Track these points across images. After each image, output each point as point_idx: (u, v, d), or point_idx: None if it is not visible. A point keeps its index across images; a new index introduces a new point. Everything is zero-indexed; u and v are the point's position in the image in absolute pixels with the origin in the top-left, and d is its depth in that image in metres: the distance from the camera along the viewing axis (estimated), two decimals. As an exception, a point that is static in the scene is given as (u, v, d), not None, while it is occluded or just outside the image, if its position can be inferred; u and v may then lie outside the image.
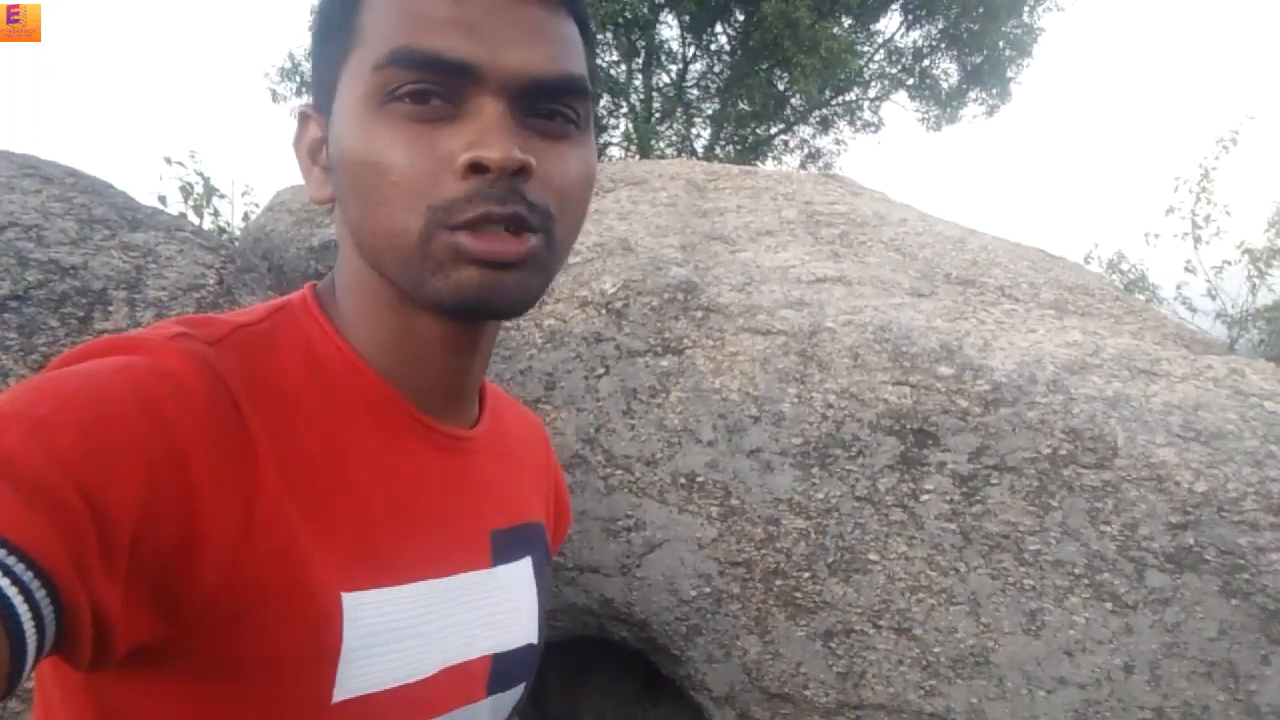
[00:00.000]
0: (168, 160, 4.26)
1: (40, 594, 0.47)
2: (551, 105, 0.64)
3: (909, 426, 1.68)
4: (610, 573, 2.10)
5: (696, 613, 2.03)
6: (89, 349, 0.60)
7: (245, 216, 5.00)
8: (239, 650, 0.58)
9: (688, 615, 2.05)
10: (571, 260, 2.01)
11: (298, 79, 11.40)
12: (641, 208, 2.23)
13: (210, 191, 4.53)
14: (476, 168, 0.60)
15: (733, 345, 1.82)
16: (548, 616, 2.23)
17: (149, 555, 0.53)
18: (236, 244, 3.25)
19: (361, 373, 0.69)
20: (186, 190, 4.36)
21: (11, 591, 0.45)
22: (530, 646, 0.79)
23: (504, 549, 0.77)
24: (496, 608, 0.75)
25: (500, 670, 0.75)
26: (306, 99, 0.73)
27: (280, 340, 0.67)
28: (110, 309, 1.46)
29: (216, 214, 4.60)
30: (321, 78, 0.68)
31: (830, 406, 1.74)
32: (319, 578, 0.61)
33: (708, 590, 2.00)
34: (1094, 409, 1.59)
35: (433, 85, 0.61)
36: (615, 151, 12.01)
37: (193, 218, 4.32)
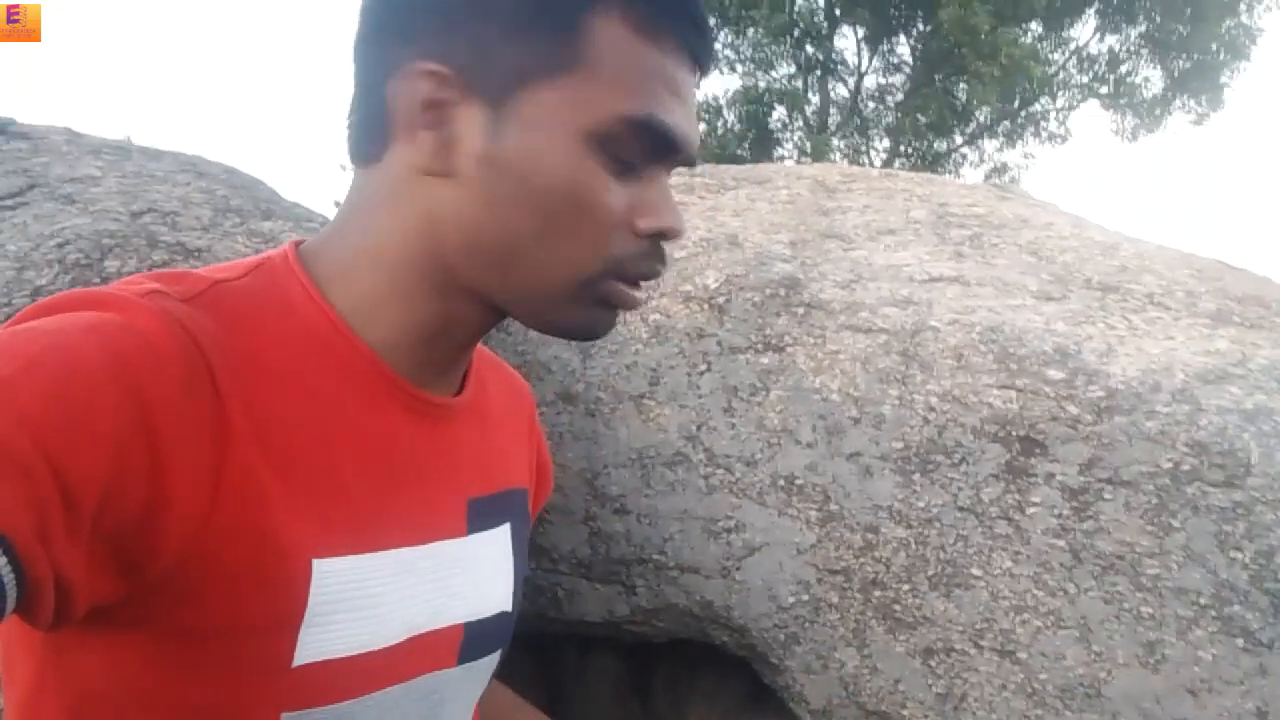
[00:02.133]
0: (342, 167, 4.54)
1: (1, 560, 0.47)
2: None
3: (1014, 433, 1.57)
4: (710, 574, 2.06)
5: (795, 620, 1.97)
6: (58, 301, 0.60)
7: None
8: (202, 615, 0.59)
9: (786, 623, 1.99)
10: (677, 255, 2.00)
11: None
12: (759, 205, 2.20)
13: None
14: (663, 235, 0.68)
15: (833, 343, 1.76)
16: (649, 616, 2.20)
17: (113, 522, 0.54)
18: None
19: (345, 337, 0.68)
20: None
21: None
22: (504, 614, 0.79)
23: (481, 517, 0.77)
24: (470, 576, 0.75)
25: (473, 638, 0.75)
26: (424, 54, 0.65)
27: (259, 297, 0.67)
28: (224, 288, 1.57)
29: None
30: (494, 60, 0.63)
31: (932, 410, 1.65)
32: (289, 545, 0.61)
33: (806, 598, 1.93)
34: (1226, 421, 1.43)
35: (647, 155, 0.67)
36: (789, 165, 11.88)
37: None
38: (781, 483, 1.89)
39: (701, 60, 0.68)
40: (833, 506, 1.82)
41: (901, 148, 11.21)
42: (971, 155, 11.98)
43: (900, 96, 11.40)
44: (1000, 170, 12.37)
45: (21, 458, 0.48)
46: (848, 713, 1.93)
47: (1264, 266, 2.58)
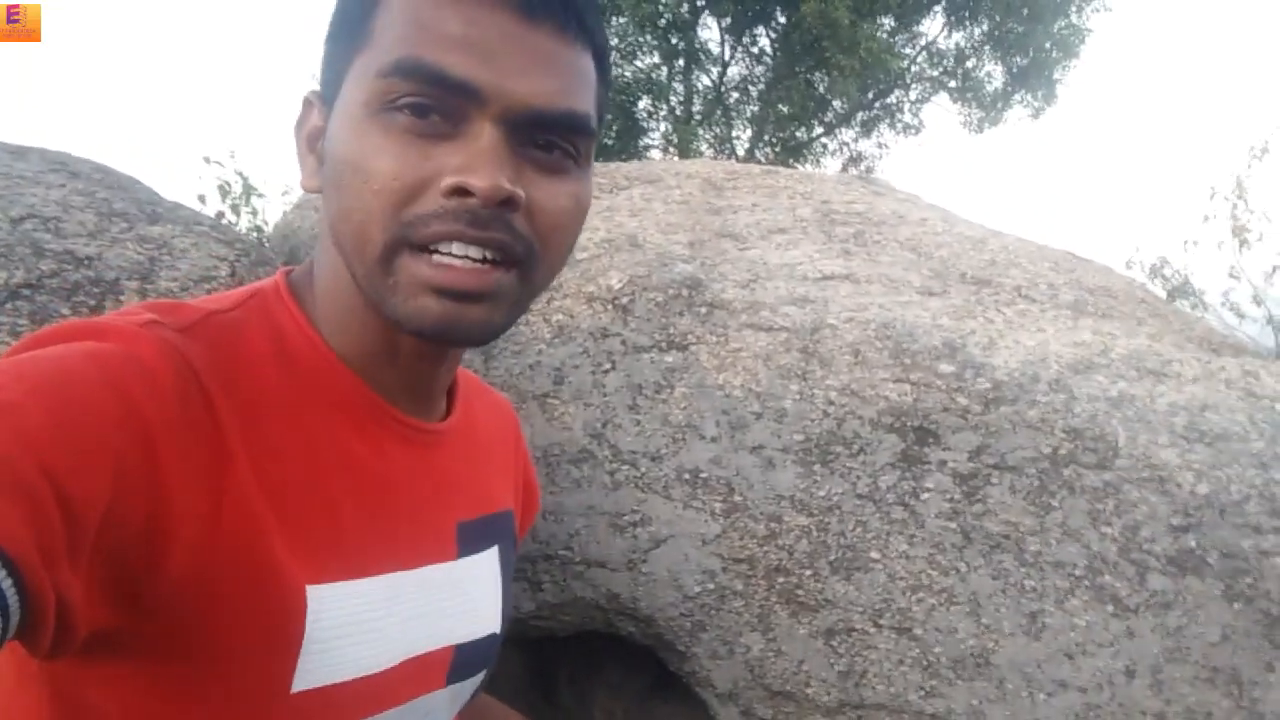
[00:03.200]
0: (206, 160, 4.36)
1: (5, 583, 0.47)
2: (551, 137, 0.64)
3: (909, 424, 1.67)
4: (617, 568, 2.11)
5: (701, 609, 2.03)
6: (57, 332, 0.60)
7: (284, 215, 5.10)
8: (199, 639, 0.59)
9: (692, 611, 2.05)
10: (579, 256, 2.02)
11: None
12: (654, 205, 2.24)
13: (249, 190, 4.63)
14: (460, 191, 0.60)
15: (736, 341, 1.83)
16: (555, 610, 2.21)
17: (114, 545, 0.54)
18: (267, 241, 3.31)
19: (332, 365, 0.69)
20: (225, 189, 4.45)
21: None
22: (492, 636, 0.81)
23: (470, 540, 0.79)
24: (460, 599, 0.77)
25: (461, 660, 0.77)
26: (314, 85, 0.73)
27: (251, 329, 0.68)
28: (122, 298, 1.50)
29: (255, 212, 4.70)
30: (330, 69, 0.68)
31: (831, 403, 1.73)
32: (284, 570, 0.62)
33: (711, 587, 2.00)
34: (1096, 408, 1.57)
35: (433, 101, 0.61)
36: (655, 154, 12.02)
37: (230, 216, 4.41)
38: (686, 476, 1.94)
39: (529, 4, 0.61)
40: (736, 498, 1.89)
41: (765, 137, 11.51)
42: (831, 145, 12.42)
43: (762, 87, 11.69)
44: (856, 159, 12.86)
45: (25, 480, 0.49)
46: (753, 694, 2.01)
47: (1099, 253, 2.81)
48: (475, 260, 0.61)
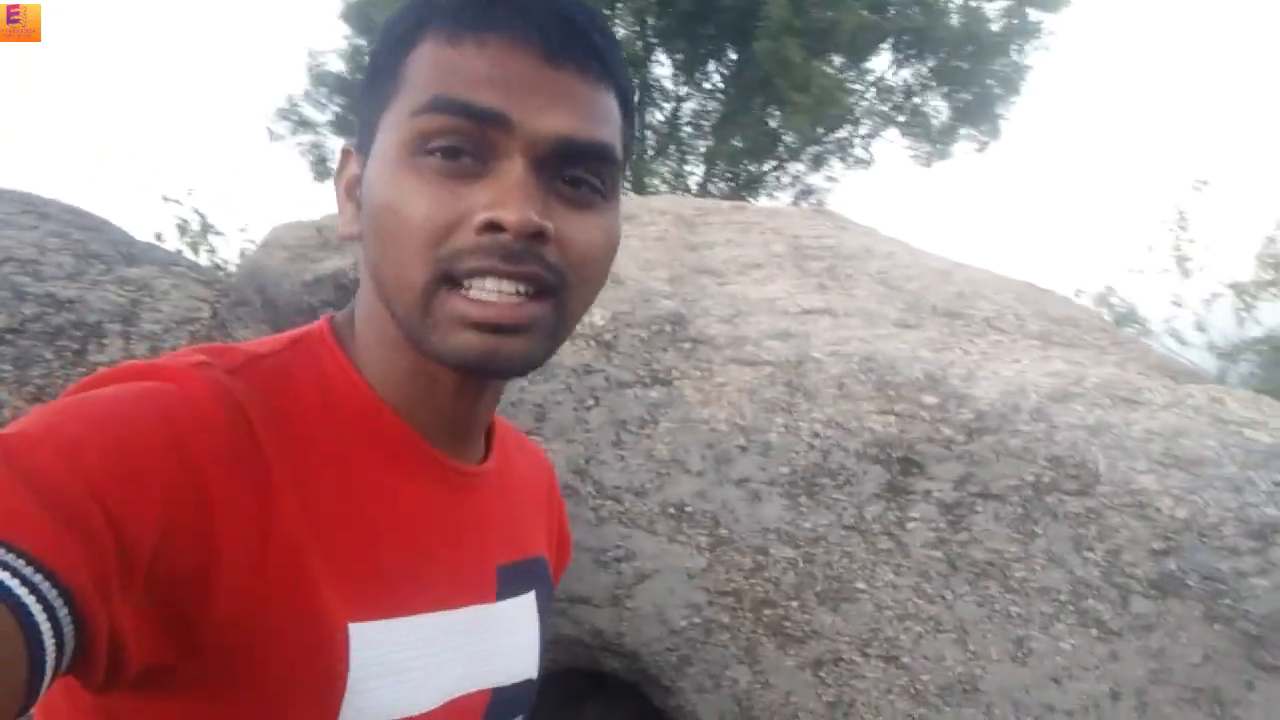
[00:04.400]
0: (165, 198, 4.31)
1: (62, 612, 0.47)
2: (577, 172, 0.65)
3: (894, 455, 1.70)
4: (601, 604, 2.10)
5: (686, 643, 2.03)
6: (113, 374, 0.61)
7: (242, 253, 5.04)
8: (248, 676, 0.59)
9: (678, 645, 2.05)
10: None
11: (295, 118, 11.51)
12: (631, 242, 2.26)
13: (206, 228, 4.58)
14: (492, 226, 0.61)
15: (720, 376, 1.85)
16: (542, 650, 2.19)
17: (165, 580, 0.54)
18: (232, 279, 3.27)
19: (375, 408, 0.70)
20: (183, 227, 4.40)
21: (36, 609, 0.46)
22: (529, 681, 0.80)
23: (509, 584, 0.78)
24: (499, 642, 0.76)
25: (498, 704, 0.76)
26: (352, 138, 0.74)
27: (297, 373, 0.68)
28: (105, 341, 1.48)
29: (213, 250, 4.64)
30: (365, 118, 0.70)
31: (817, 436, 1.76)
32: (327, 608, 0.62)
33: (698, 620, 2.00)
34: (1076, 436, 1.61)
35: (463, 138, 0.62)
36: (648, 200, 12.08)
37: (189, 254, 4.35)
38: (671, 510, 1.95)
39: (550, 48, 0.63)
40: (722, 531, 1.90)
41: (718, 170, 11.65)
42: (783, 179, 12.60)
43: (715, 122, 11.85)
44: (807, 193, 13.06)
45: (82, 513, 0.49)
46: (741, 728, 2.01)
47: (1047, 281, 2.90)
48: (509, 294, 0.63)
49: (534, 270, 0.63)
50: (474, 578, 0.75)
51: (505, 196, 0.61)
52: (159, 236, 4.24)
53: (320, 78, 11.30)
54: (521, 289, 0.64)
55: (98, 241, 1.78)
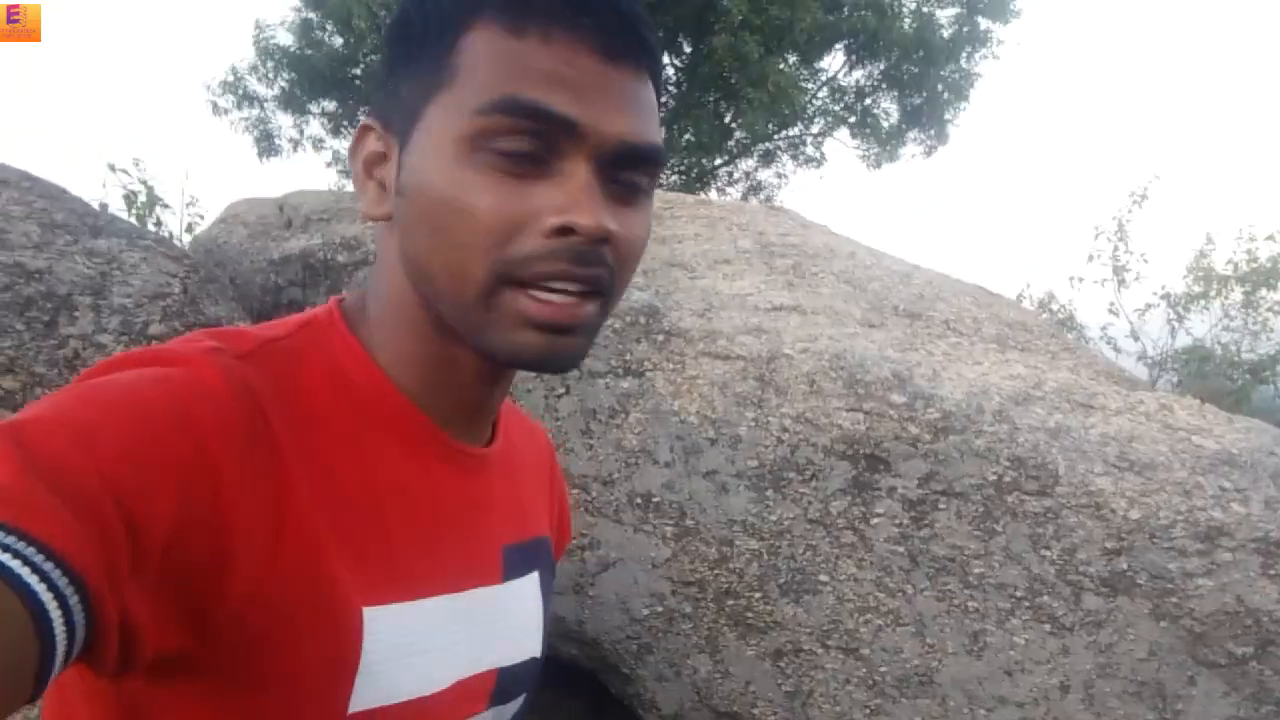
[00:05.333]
0: (111, 167, 4.17)
1: (73, 600, 0.47)
2: (631, 172, 0.66)
3: (861, 451, 1.74)
4: (562, 591, 2.11)
5: (648, 631, 2.06)
6: (125, 359, 0.60)
7: (189, 227, 4.90)
8: (261, 661, 0.59)
9: (639, 634, 2.08)
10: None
11: (239, 91, 11.24)
12: (603, 232, 2.27)
13: (154, 200, 4.45)
14: (565, 230, 0.61)
15: (692, 369, 1.87)
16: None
17: (179, 567, 0.54)
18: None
19: (386, 391, 0.70)
20: (130, 199, 4.27)
21: (47, 597, 0.46)
22: (534, 660, 0.81)
23: (515, 564, 0.79)
24: (505, 623, 0.77)
25: (504, 683, 0.77)
26: (368, 113, 0.73)
27: (308, 357, 0.68)
28: (76, 314, 1.45)
29: (159, 223, 4.51)
30: (401, 100, 0.68)
31: (786, 430, 1.79)
32: (342, 592, 0.62)
33: (660, 609, 2.02)
34: (1037, 439, 1.67)
35: (531, 139, 0.62)
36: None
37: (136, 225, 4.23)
38: (639, 501, 1.97)
39: (610, 46, 0.64)
40: (689, 522, 1.92)
41: (672, 163, 11.67)
42: (734, 174, 12.68)
43: (666, 115, 11.86)
44: (757, 188, 13.15)
45: (94, 500, 0.49)
46: (699, 716, 2.04)
47: (989, 284, 2.98)
48: (571, 295, 0.64)
49: (599, 272, 0.64)
50: (481, 559, 0.76)
51: (577, 200, 0.62)
52: (104, 206, 4.12)
53: (268, 51, 11.04)
54: (582, 289, 0.65)
55: (60, 210, 1.74)
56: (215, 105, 11.15)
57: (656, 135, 0.67)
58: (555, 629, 2.14)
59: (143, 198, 4.33)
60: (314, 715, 0.62)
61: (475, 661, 0.74)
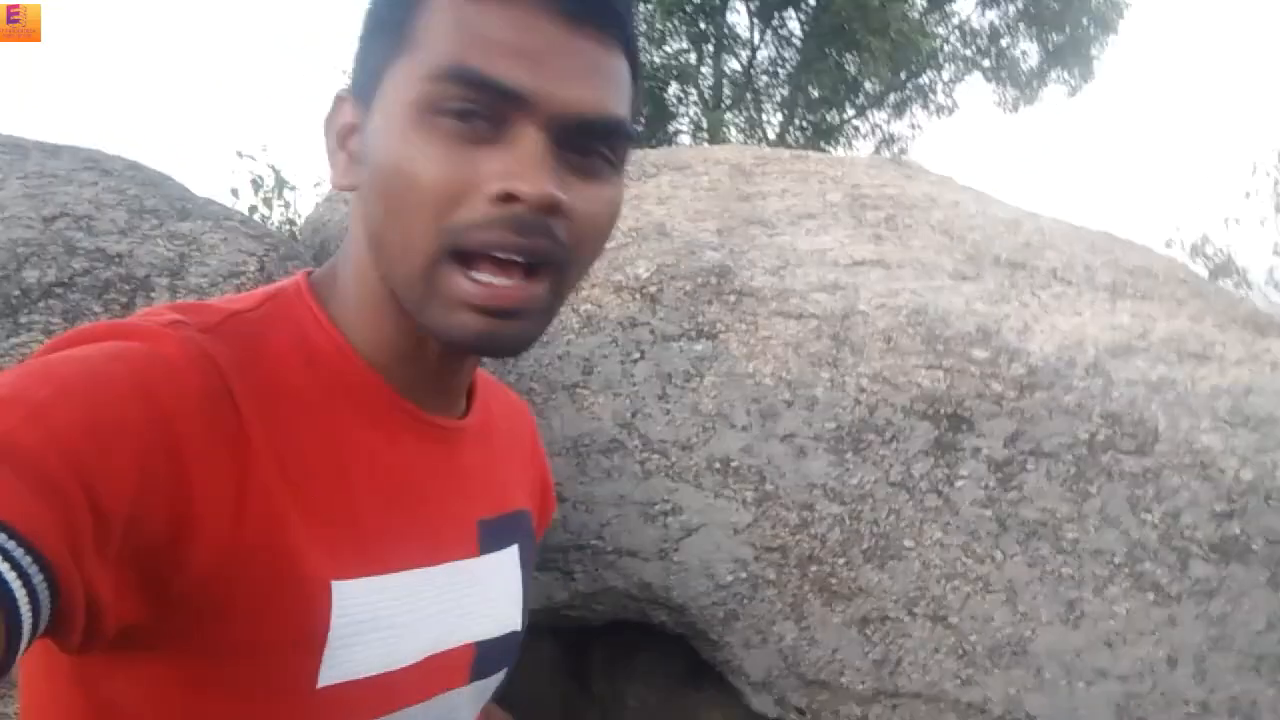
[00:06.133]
0: (239, 154, 4.40)
1: (38, 579, 0.48)
2: (592, 144, 0.64)
3: (943, 411, 1.64)
4: (649, 557, 2.10)
5: (734, 598, 2.02)
6: (84, 333, 0.61)
7: (315, 207, 5.13)
8: (227, 635, 0.60)
9: (725, 600, 2.05)
10: (607, 245, 2.02)
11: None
12: (681, 193, 2.22)
13: (281, 183, 4.67)
14: (509, 198, 0.60)
15: (765, 329, 1.81)
16: (588, 600, 2.21)
17: (141, 541, 0.54)
18: (298, 234, 3.34)
19: (353, 363, 0.69)
20: (257, 183, 4.49)
21: (10, 576, 0.46)
22: (513, 633, 0.81)
23: (491, 538, 0.79)
24: (482, 596, 0.77)
25: (483, 657, 0.77)
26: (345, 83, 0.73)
27: (273, 328, 0.68)
28: (152, 295, 1.52)
29: (287, 205, 4.74)
30: (366, 67, 0.68)
31: (863, 391, 1.71)
32: (309, 565, 0.62)
33: (744, 575, 1.99)
34: (1135, 393, 1.54)
35: (480, 107, 0.60)
36: (685, 139, 11.97)
37: (263, 209, 4.45)
38: (717, 465, 1.93)
39: (572, 11, 0.62)
40: (768, 486, 1.88)
41: (796, 120, 11.41)
42: (863, 127, 12.28)
43: (792, 70, 11.58)
44: (889, 141, 12.70)
45: (55, 478, 0.49)
46: (787, 683, 2.00)
47: (1137, 233, 2.75)
48: (514, 265, 0.61)
49: (542, 244, 0.62)
50: (455, 533, 0.75)
51: (522, 167, 0.60)
52: (235, 193, 4.35)
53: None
54: (524, 260, 0.62)
55: (154, 197, 1.82)
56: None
57: (617, 107, 0.64)
58: (644, 595, 2.14)
59: (270, 182, 4.54)
60: (281, 689, 0.63)
61: (451, 635, 0.73)
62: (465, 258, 0.61)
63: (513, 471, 0.86)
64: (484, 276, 0.61)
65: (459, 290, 0.62)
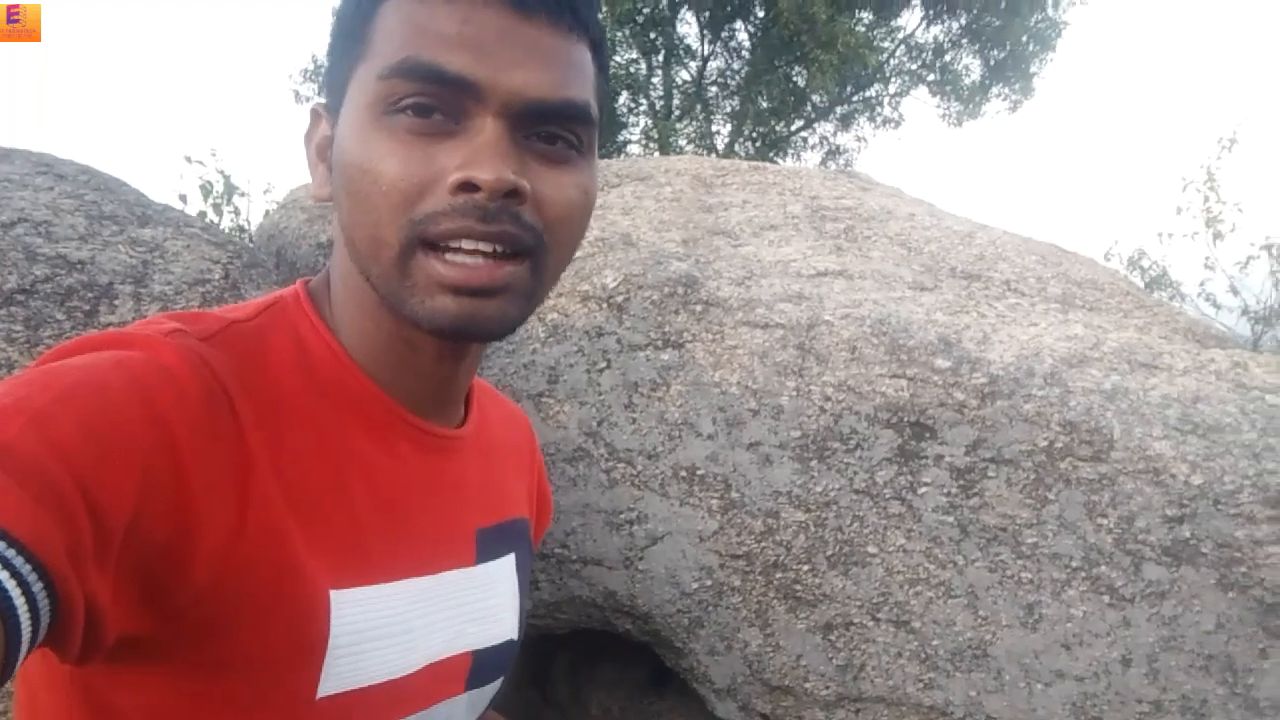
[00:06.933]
0: (188, 159, 4.31)
1: (37, 586, 0.47)
2: (552, 129, 0.65)
3: (906, 419, 1.68)
4: (613, 565, 2.11)
5: (698, 605, 2.04)
6: (85, 342, 0.61)
7: (266, 214, 5.05)
8: (225, 645, 0.60)
9: (689, 608, 2.06)
10: (585, 237, 2.02)
11: (320, 79, 11.50)
12: (645, 203, 2.24)
13: (230, 190, 4.58)
14: (467, 186, 0.60)
15: (731, 339, 1.83)
16: (552, 609, 2.21)
17: (141, 549, 0.54)
18: (251, 241, 3.29)
19: (351, 373, 0.70)
20: (206, 189, 4.41)
21: (10, 585, 0.46)
22: (510, 642, 0.81)
23: (489, 546, 0.79)
24: (479, 605, 0.77)
25: (480, 666, 0.77)
26: (320, 97, 0.74)
27: (272, 337, 0.68)
28: (116, 303, 1.49)
29: (237, 212, 4.65)
30: (334, 79, 0.69)
31: (828, 399, 1.74)
32: (308, 575, 0.62)
33: (709, 583, 2.00)
34: (1091, 402, 1.59)
35: (434, 100, 0.61)
36: (635, 149, 12.02)
37: (213, 216, 4.37)
38: (683, 473, 1.95)
39: (522, 1, 0.62)
40: (734, 494, 1.90)
41: (745, 131, 11.52)
42: (811, 139, 12.44)
43: (741, 81, 11.69)
44: (836, 153, 12.89)
45: (55, 486, 0.49)
46: (752, 689, 2.02)
47: (1077, 243, 2.84)
48: (486, 255, 0.62)
49: (510, 230, 0.63)
50: (453, 542, 0.75)
51: (478, 156, 0.61)
52: (183, 198, 4.26)
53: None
54: (498, 249, 0.63)
55: (111, 202, 1.78)
56: (297, 94, 11.44)
57: (577, 92, 0.65)
58: (609, 603, 2.15)
59: (219, 188, 4.46)
60: (281, 700, 0.62)
61: (449, 644, 0.73)
62: (436, 247, 0.62)
63: (510, 479, 0.86)
64: (457, 258, 0.62)
65: (433, 273, 0.62)
